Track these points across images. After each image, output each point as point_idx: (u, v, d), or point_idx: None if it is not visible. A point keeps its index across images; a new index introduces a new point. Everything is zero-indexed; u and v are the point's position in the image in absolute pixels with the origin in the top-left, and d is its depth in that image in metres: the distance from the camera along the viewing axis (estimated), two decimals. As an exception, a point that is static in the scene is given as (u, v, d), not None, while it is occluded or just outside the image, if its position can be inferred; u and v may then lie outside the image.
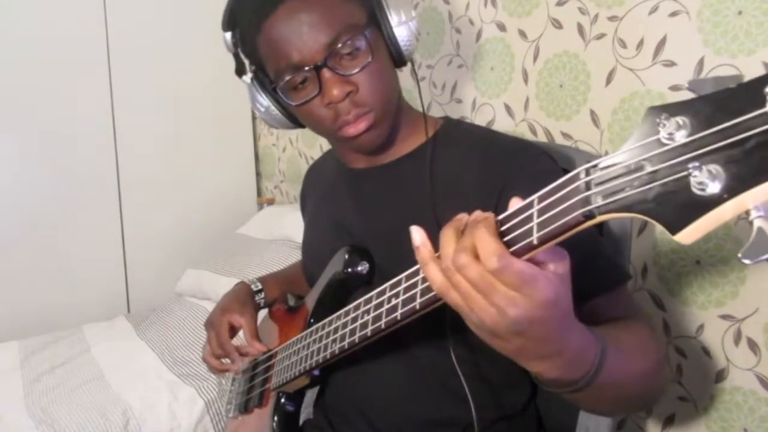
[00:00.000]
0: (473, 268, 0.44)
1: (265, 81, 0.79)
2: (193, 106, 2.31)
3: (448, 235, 0.47)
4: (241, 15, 0.76)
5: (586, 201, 0.38)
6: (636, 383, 0.60)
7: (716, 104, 0.32)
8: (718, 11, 0.93)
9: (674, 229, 0.33)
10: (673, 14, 0.99)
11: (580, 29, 1.15)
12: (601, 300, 0.67)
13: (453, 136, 0.82)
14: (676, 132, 0.33)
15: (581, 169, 0.39)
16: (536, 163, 0.75)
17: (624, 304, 0.69)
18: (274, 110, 0.80)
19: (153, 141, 2.26)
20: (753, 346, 0.94)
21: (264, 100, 0.80)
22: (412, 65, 0.80)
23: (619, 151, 0.37)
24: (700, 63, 0.96)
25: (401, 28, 0.74)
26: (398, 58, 0.77)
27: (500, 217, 0.46)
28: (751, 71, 0.90)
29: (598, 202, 0.37)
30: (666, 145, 0.34)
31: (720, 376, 0.99)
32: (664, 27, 1.00)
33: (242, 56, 0.80)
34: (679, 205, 0.33)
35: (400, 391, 0.82)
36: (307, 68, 0.71)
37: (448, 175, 0.77)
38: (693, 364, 1.03)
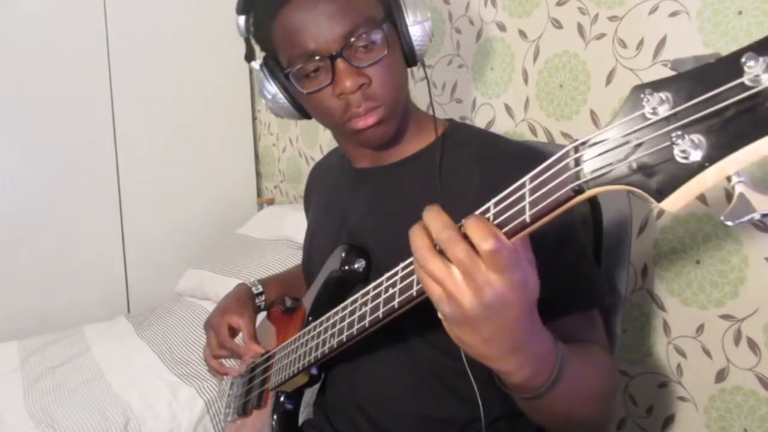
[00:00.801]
0: (460, 247, 0.44)
1: (275, 68, 0.78)
2: (193, 106, 2.31)
3: (418, 230, 0.48)
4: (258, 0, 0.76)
5: (576, 176, 0.40)
6: (588, 402, 0.61)
7: (697, 78, 0.33)
8: (718, 11, 0.93)
9: (660, 196, 0.35)
10: (673, 14, 0.99)
11: (580, 29, 1.15)
12: (571, 319, 0.67)
13: (458, 139, 0.82)
14: (659, 106, 0.35)
15: (570, 146, 0.41)
16: (536, 166, 0.75)
17: (593, 329, 0.70)
18: (282, 98, 0.80)
19: (153, 141, 2.26)
20: (753, 346, 0.94)
21: (272, 87, 0.79)
22: (423, 66, 0.80)
23: (606, 128, 0.38)
24: (700, 63, 0.96)
25: (416, 27, 0.75)
26: (411, 57, 0.77)
27: (494, 199, 0.47)
28: (751, 71, 0.90)
29: (587, 176, 0.39)
30: (650, 119, 0.35)
31: (720, 376, 0.99)
32: (664, 27, 1.00)
33: (253, 42, 0.80)
34: (664, 174, 0.35)
35: (399, 389, 0.82)
36: (321, 57, 0.71)
37: (452, 178, 0.77)
38: (693, 364, 1.03)
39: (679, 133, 0.33)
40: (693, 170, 0.33)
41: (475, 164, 0.76)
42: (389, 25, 0.74)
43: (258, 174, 2.56)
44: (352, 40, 0.70)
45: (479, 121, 1.41)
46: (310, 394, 0.94)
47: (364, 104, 0.73)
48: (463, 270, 0.45)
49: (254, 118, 2.51)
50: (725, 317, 0.97)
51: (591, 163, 0.39)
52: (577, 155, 0.40)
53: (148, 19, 2.21)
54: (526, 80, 1.28)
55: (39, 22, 2.02)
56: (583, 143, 0.40)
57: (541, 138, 1.26)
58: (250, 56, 0.81)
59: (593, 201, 0.88)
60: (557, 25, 1.20)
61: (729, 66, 0.32)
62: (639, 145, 0.36)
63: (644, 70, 1.04)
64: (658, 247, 1.06)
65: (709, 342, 1.00)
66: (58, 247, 2.12)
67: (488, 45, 1.36)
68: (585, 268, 0.71)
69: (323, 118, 0.78)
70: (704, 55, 0.34)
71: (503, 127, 1.34)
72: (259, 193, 2.57)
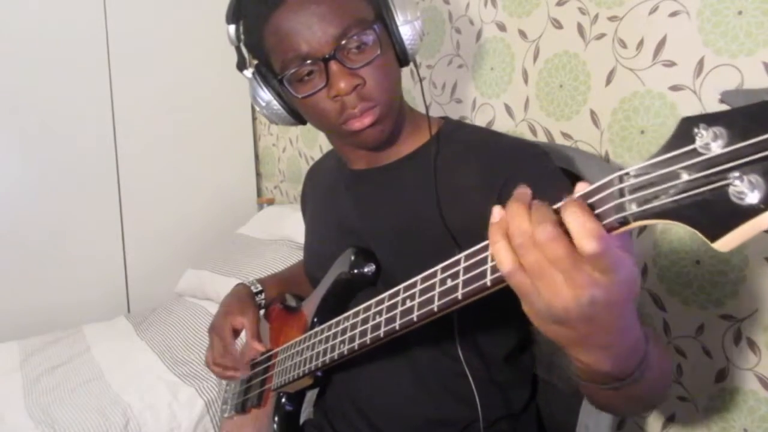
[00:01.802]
0: (560, 244, 0.40)
1: (268, 74, 0.78)
2: (193, 106, 2.31)
3: (518, 209, 0.43)
4: (248, 6, 0.76)
5: (620, 207, 0.38)
6: (662, 382, 0.61)
7: (752, 116, 0.33)
8: (718, 11, 0.93)
9: (713, 236, 0.34)
10: (673, 14, 0.99)
11: (580, 29, 1.15)
12: None
13: (454, 136, 0.82)
14: (713, 142, 0.34)
15: (614, 176, 0.39)
16: (535, 162, 0.75)
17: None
18: (276, 105, 0.80)
19: (153, 141, 2.26)
20: (753, 346, 0.94)
21: (266, 95, 0.79)
22: (415, 65, 0.80)
23: (651, 160, 0.37)
24: (700, 63, 0.96)
25: (406, 27, 0.75)
26: (402, 57, 0.77)
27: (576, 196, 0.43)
28: (751, 71, 0.90)
29: (633, 208, 0.38)
30: (703, 154, 0.34)
31: (720, 376, 0.99)
32: (664, 27, 1.00)
33: (244, 50, 0.80)
34: (718, 214, 0.33)
35: (400, 390, 0.82)
36: (315, 60, 0.71)
37: (449, 175, 0.77)
38: (693, 364, 1.03)
39: (737, 174, 0.32)
40: (749, 213, 0.32)
41: (474, 160, 0.77)
42: (380, 26, 0.74)
43: (258, 174, 2.56)
44: (344, 41, 0.71)
45: (479, 121, 1.41)
46: (310, 395, 0.94)
47: (360, 105, 0.73)
48: (563, 270, 0.40)
49: (254, 118, 2.51)
50: (725, 317, 0.97)
51: (636, 195, 0.38)
52: (622, 185, 0.39)
53: (148, 19, 2.21)
54: (526, 80, 1.28)
55: (39, 22, 2.02)
56: (628, 173, 0.38)
57: (541, 138, 1.26)
58: (241, 65, 0.81)
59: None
60: (557, 25, 1.20)
61: None
62: (690, 180, 0.35)
63: (644, 70, 1.04)
64: (658, 247, 1.06)
65: (709, 342, 1.00)
66: (58, 247, 2.12)
67: (488, 45, 1.36)
68: None
69: (319, 122, 0.78)
70: (757, 90, 0.34)
71: (503, 127, 1.34)
72: (259, 193, 2.57)
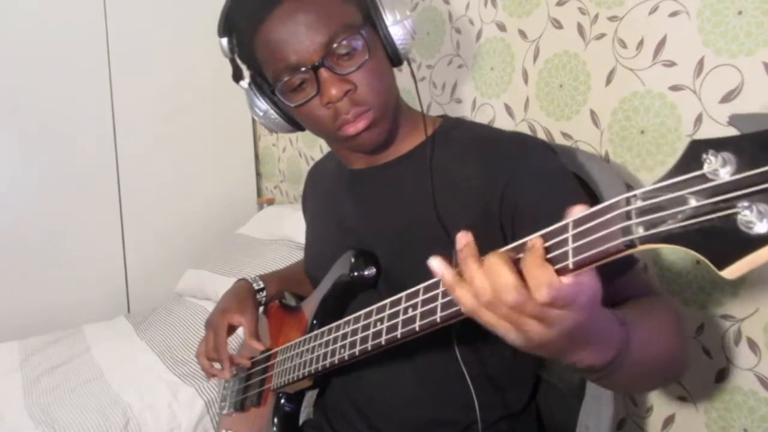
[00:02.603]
0: (523, 298, 0.44)
1: (263, 85, 0.79)
2: (193, 106, 2.31)
3: (476, 270, 0.47)
4: (237, 19, 0.76)
5: (627, 230, 0.38)
6: (661, 358, 0.62)
7: (761, 143, 0.33)
8: (718, 11, 0.93)
9: (721, 264, 0.34)
10: (673, 14, 0.99)
11: (580, 29, 1.15)
12: (614, 284, 0.67)
13: (452, 134, 0.82)
14: (721, 168, 0.34)
15: (622, 198, 0.39)
16: (537, 158, 0.75)
17: (639, 282, 0.71)
18: (273, 114, 0.81)
19: (153, 141, 2.26)
20: (753, 346, 0.94)
21: (262, 105, 0.80)
22: (409, 64, 0.80)
23: (660, 183, 0.37)
24: (700, 63, 0.96)
25: (396, 27, 0.75)
26: (395, 57, 0.77)
27: (533, 236, 0.46)
28: (751, 71, 0.90)
29: (640, 232, 0.38)
30: (711, 180, 0.34)
31: (720, 376, 0.99)
32: (664, 27, 1.00)
33: (239, 61, 0.80)
34: (725, 242, 0.34)
35: (399, 391, 0.82)
36: (304, 69, 0.71)
37: (448, 173, 0.77)
38: (693, 364, 1.02)
39: (746, 203, 0.32)
40: (757, 242, 0.32)
41: (473, 157, 0.76)
42: (369, 29, 0.74)
43: (258, 174, 2.56)
44: (333, 47, 0.71)
45: (479, 121, 1.41)
46: (310, 395, 0.94)
47: (353, 110, 0.73)
48: (532, 315, 0.45)
49: (254, 119, 2.50)
50: (725, 317, 0.97)
51: (643, 219, 0.37)
52: (629, 208, 0.38)
53: (148, 19, 2.21)
54: (526, 80, 1.28)
55: (39, 22, 2.02)
56: (635, 196, 0.38)
57: (541, 138, 1.26)
58: (237, 76, 0.82)
59: (591, 200, 0.88)
60: (557, 25, 1.20)
61: None
62: (698, 206, 0.35)
63: (644, 70, 1.04)
64: (659, 250, 1.06)
65: (709, 342, 1.00)
66: (58, 247, 2.12)
67: (488, 45, 1.36)
68: None
69: (315, 129, 0.78)
70: (765, 114, 0.33)
71: (503, 127, 1.34)
72: (259, 193, 2.57)
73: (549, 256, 0.44)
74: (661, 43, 1.01)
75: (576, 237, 0.42)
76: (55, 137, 2.08)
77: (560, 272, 0.43)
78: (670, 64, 1.00)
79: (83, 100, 2.12)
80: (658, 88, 1.03)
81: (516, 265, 0.45)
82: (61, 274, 2.13)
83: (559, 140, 1.22)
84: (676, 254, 1.03)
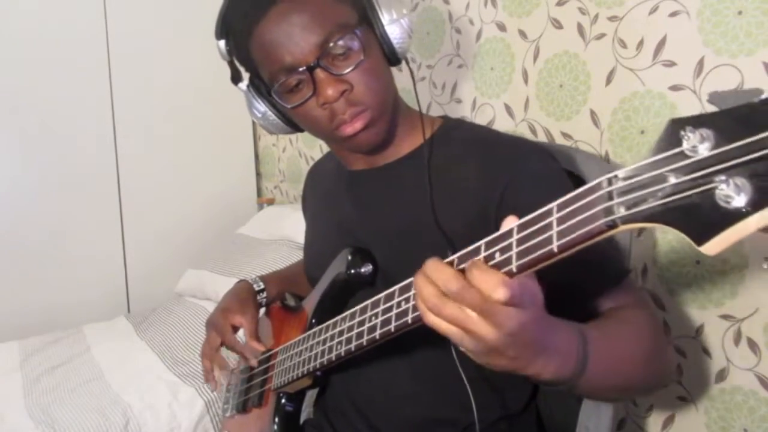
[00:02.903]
0: (473, 292, 0.46)
1: (260, 86, 0.79)
2: (193, 106, 2.31)
3: (425, 281, 0.49)
4: (233, 22, 0.76)
5: (609, 211, 0.38)
6: (635, 367, 0.63)
7: (739, 118, 0.32)
8: (718, 11, 0.93)
9: (700, 240, 0.34)
10: (673, 14, 0.99)
11: (580, 29, 1.15)
12: (607, 295, 0.69)
13: (452, 135, 0.82)
14: (700, 144, 0.34)
15: (603, 178, 0.39)
16: (536, 161, 0.75)
17: (628, 295, 0.70)
18: (272, 116, 0.81)
19: (153, 141, 2.26)
20: (753, 346, 0.94)
21: (261, 106, 0.80)
22: (407, 63, 0.79)
23: (640, 162, 0.37)
24: (700, 63, 0.96)
25: (393, 26, 0.74)
26: (392, 57, 0.76)
27: (520, 221, 0.46)
28: (751, 71, 0.90)
29: (621, 211, 0.38)
30: (690, 157, 0.34)
31: (720, 376, 0.99)
32: (664, 27, 1.00)
33: (237, 64, 0.80)
34: (704, 217, 0.33)
35: (399, 390, 0.82)
36: (300, 69, 0.71)
37: (448, 175, 0.77)
38: (693, 364, 1.03)
39: (723, 177, 0.32)
40: (735, 216, 0.32)
41: (472, 159, 0.76)
42: (365, 28, 0.74)
43: (258, 174, 2.56)
44: (329, 47, 0.70)
45: (479, 121, 1.41)
46: (310, 394, 0.94)
47: (349, 110, 0.73)
48: (480, 311, 0.46)
49: (254, 118, 2.51)
50: (725, 317, 0.97)
51: (624, 198, 0.37)
52: (610, 188, 0.38)
53: (148, 19, 2.21)
54: (526, 80, 1.28)
55: (39, 22, 2.02)
56: (616, 176, 0.38)
57: (541, 138, 1.26)
58: (236, 79, 0.82)
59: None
60: (557, 25, 1.20)
61: None
62: (677, 183, 0.35)
63: (644, 70, 1.04)
64: (658, 247, 1.06)
65: (709, 342, 1.00)
66: (58, 247, 2.11)
67: (488, 45, 1.36)
68: (601, 249, 0.72)
69: (312, 129, 0.78)
70: (745, 91, 0.33)
71: (503, 127, 1.34)
72: (259, 193, 2.57)
73: (534, 241, 0.44)
74: (661, 43, 1.01)
75: (560, 221, 0.42)
76: (55, 137, 2.08)
77: (545, 257, 0.43)
78: (670, 64, 1.00)
79: (83, 100, 2.12)
80: (658, 88, 1.03)
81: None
82: (61, 274, 2.13)
83: (559, 140, 1.22)
84: (675, 254, 1.03)
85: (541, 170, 0.74)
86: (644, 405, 1.12)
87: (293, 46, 0.70)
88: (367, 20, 0.74)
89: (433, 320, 0.49)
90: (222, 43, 0.79)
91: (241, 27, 0.74)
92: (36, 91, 2.03)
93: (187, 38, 2.27)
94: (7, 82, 1.99)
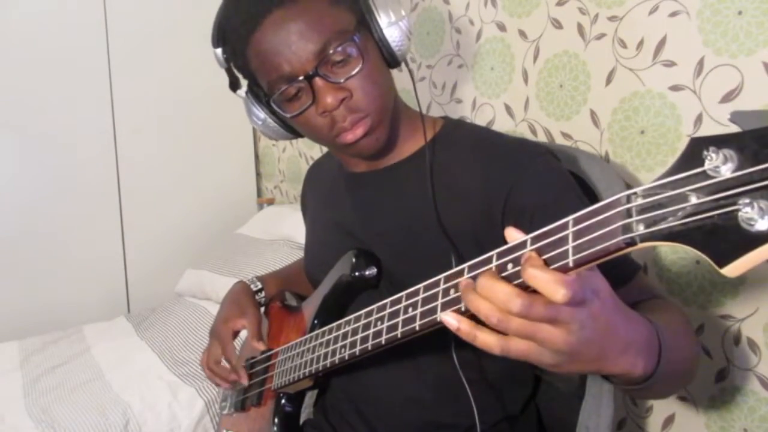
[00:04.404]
0: (538, 303, 0.43)
1: (259, 93, 0.78)
2: (193, 106, 2.31)
3: (476, 297, 0.46)
4: (230, 30, 0.76)
5: (627, 228, 0.38)
6: (689, 357, 0.63)
7: (762, 139, 0.32)
8: (718, 11, 0.93)
9: (721, 262, 0.34)
10: (673, 14, 0.99)
11: (580, 29, 1.15)
12: (621, 291, 0.68)
13: (454, 137, 0.81)
14: (722, 165, 0.33)
15: (622, 195, 0.39)
16: (541, 163, 0.74)
17: (641, 288, 0.71)
18: (271, 122, 0.80)
19: (153, 141, 2.26)
20: (753, 346, 0.94)
21: (260, 113, 0.80)
22: (407, 65, 0.79)
23: (661, 180, 0.37)
24: (700, 63, 0.96)
25: (392, 28, 0.73)
26: (391, 60, 0.76)
27: (532, 235, 0.45)
28: (751, 71, 0.90)
29: (641, 229, 0.37)
30: (712, 177, 0.34)
31: (720, 376, 0.99)
32: (664, 27, 1.00)
33: (235, 71, 0.80)
34: (726, 239, 0.33)
35: (399, 392, 0.82)
36: (299, 78, 0.71)
37: (451, 177, 0.77)
38: (693, 364, 1.03)
39: (747, 200, 0.32)
40: (758, 239, 0.32)
41: (475, 162, 0.76)
42: (363, 33, 0.73)
43: (258, 174, 2.56)
44: (327, 54, 0.70)
45: (479, 121, 1.41)
46: (310, 395, 0.94)
47: (350, 117, 0.72)
48: (549, 320, 0.44)
49: (254, 118, 2.50)
50: (725, 317, 0.97)
51: (644, 216, 0.37)
52: (630, 205, 0.38)
53: (148, 19, 2.21)
54: (526, 80, 1.28)
55: (39, 23, 2.02)
56: (636, 193, 0.38)
57: (541, 138, 1.26)
58: (234, 86, 0.81)
59: (591, 200, 0.88)
60: (557, 25, 1.20)
61: None
62: (699, 203, 0.34)
63: (644, 70, 1.04)
64: (658, 247, 1.06)
65: (709, 342, 1.00)
66: (58, 247, 2.11)
67: (488, 45, 1.36)
68: None
69: (313, 137, 0.78)
70: (767, 111, 0.33)
71: (503, 127, 1.34)
72: (259, 193, 2.57)
73: (548, 255, 0.43)
74: (661, 43, 1.01)
75: (576, 235, 0.42)
76: (56, 137, 2.08)
77: (561, 271, 0.43)
78: (670, 64, 1.00)
79: (83, 100, 2.12)
80: (658, 88, 1.03)
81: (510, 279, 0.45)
82: (61, 274, 2.13)
83: (559, 140, 1.22)
84: (676, 254, 1.03)
85: (547, 171, 0.74)
86: (644, 405, 1.12)
87: (291, 55, 0.70)
88: (365, 24, 0.73)
89: (505, 346, 0.46)
90: (219, 50, 0.78)
91: (238, 35, 0.74)
92: (36, 92, 2.03)
93: (187, 38, 2.27)
94: (7, 83, 1.99)
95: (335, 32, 0.70)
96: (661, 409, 1.09)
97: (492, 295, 0.45)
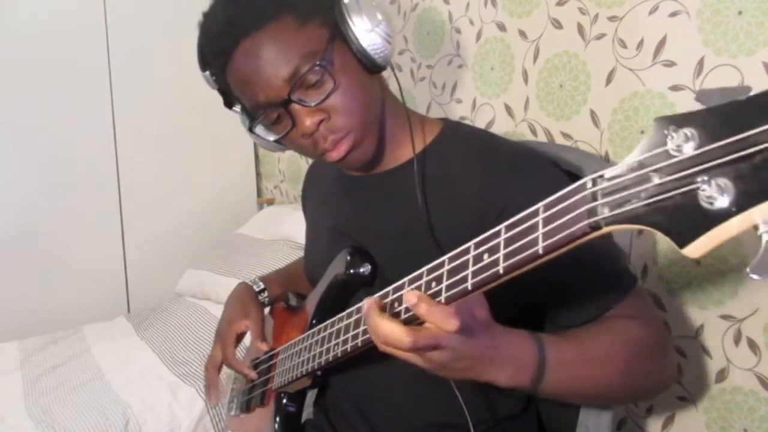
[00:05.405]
0: (430, 341, 0.53)
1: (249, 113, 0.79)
2: (193, 106, 2.31)
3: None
4: (208, 57, 0.77)
5: (593, 212, 0.37)
6: (606, 375, 0.64)
7: (724, 117, 0.32)
8: (718, 11, 0.93)
9: (682, 242, 0.33)
10: (673, 14, 0.99)
11: (580, 29, 1.15)
12: (616, 310, 0.69)
13: (454, 140, 0.80)
14: (684, 144, 0.33)
15: (587, 179, 0.39)
16: (541, 180, 0.73)
17: (634, 308, 0.70)
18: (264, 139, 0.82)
19: (153, 141, 2.26)
20: (753, 346, 0.94)
21: (256, 128, 0.80)
22: (392, 69, 0.77)
23: (625, 162, 0.36)
24: (700, 63, 0.96)
25: (370, 35, 0.71)
26: (372, 67, 0.73)
27: (506, 223, 0.46)
28: (751, 71, 0.90)
29: (605, 213, 0.37)
30: (674, 156, 0.33)
31: (720, 376, 0.99)
32: (664, 27, 1.00)
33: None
34: (687, 219, 0.33)
35: (399, 392, 0.82)
36: (275, 106, 0.71)
37: (449, 181, 0.76)
38: (693, 364, 1.03)
39: (706, 177, 0.31)
40: (718, 217, 0.31)
41: (474, 167, 0.75)
42: (339, 45, 0.71)
43: (258, 174, 2.56)
44: (300, 78, 0.69)
45: (479, 121, 1.41)
46: (311, 395, 0.94)
47: (331, 137, 0.72)
48: (433, 346, 0.53)
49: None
50: (725, 317, 0.97)
51: (608, 199, 0.37)
52: (594, 189, 0.38)
53: (148, 19, 2.21)
54: (526, 80, 1.28)
55: (39, 23, 2.02)
56: (601, 176, 0.37)
57: (541, 138, 1.26)
58: (228, 104, 0.83)
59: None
60: (557, 25, 1.20)
61: (760, 107, 0.30)
62: (661, 184, 0.34)
63: (644, 70, 1.05)
64: (658, 247, 1.06)
65: (709, 342, 1.00)
66: (58, 247, 2.12)
67: (488, 45, 1.36)
68: (607, 264, 0.71)
69: (303, 155, 0.80)
70: (732, 89, 0.32)
71: (503, 127, 1.34)
72: (259, 193, 2.57)
73: (520, 243, 0.43)
74: (661, 43, 1.01)
75: (546, 221, 0.41)
76: (56, 137, 2.08)
77: (532, 258, 0.43)
78: (670, 64, 1.00)
79: (83, 100, 2.12)
80: (658, 88, 1.03)
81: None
82: (61, 274, 2.13)
83: (559, 140, 1.22)
84: (676, 254, 1.03)
85: (545, 189, 0.73)
86: (644, 405, 1.12)
87: (263, 83, 0.70)
88: (341, 35, 0.71)
89: (386, 349, 0.55)
90: (207, 73, 0.79)
91: (216, 63, 0.75)
92: (36, 92, 2.03)
93: (188, 38, 2.25)
94: (7, 82, 1.99)
95: (305, 55, 0.69)
96: (661, 409, 1.09)
97: (386, 338, 0.54)
